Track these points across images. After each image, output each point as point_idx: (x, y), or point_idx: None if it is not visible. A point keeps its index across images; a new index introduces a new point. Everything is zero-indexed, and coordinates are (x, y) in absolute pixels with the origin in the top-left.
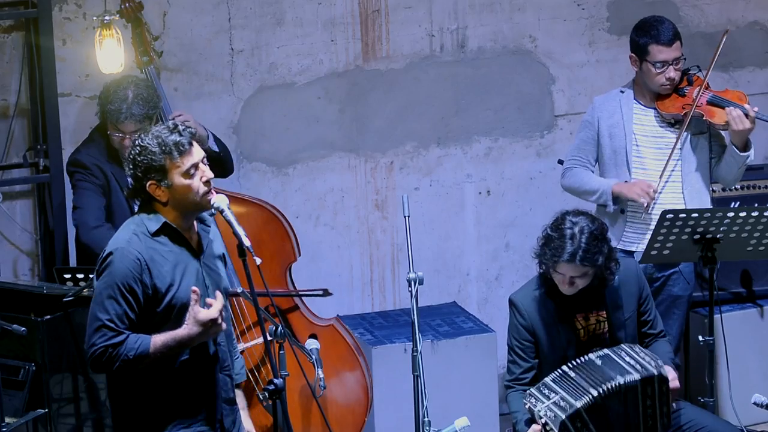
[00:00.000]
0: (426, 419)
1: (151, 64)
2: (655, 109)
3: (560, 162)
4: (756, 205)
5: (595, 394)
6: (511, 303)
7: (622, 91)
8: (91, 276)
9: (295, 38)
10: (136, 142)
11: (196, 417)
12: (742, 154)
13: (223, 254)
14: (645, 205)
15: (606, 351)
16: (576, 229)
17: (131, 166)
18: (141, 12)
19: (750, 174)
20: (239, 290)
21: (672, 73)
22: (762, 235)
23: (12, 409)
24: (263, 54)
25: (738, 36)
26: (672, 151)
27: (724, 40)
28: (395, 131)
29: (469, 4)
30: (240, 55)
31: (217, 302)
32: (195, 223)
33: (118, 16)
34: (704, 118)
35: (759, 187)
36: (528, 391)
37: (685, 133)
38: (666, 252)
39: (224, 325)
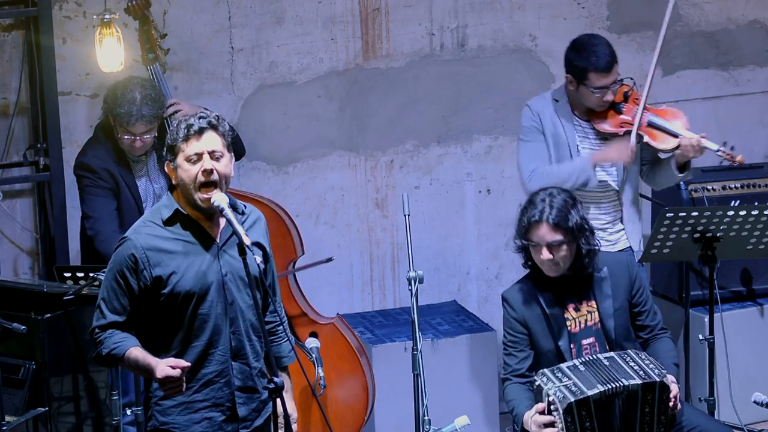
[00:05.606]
0: (426, 418)
1: (157, 62)
2: (589, 122)
3: None
4: (756, 203)
5: (603, 389)
6: (503, 299)
7: (557, 100)
8: (91, 274)
9: (295, 37)
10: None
11: (205, 403)
12: (680, 175)
13: (259, 242)
14: (628, 162)
15: (612, 354)
16: (546, 195)
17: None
18: (148, 9)
19: (750, 173)
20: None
21: (610, 96)
22: (762, 234)
23: (12, 407)
24: (263, 52)
25: (738, 34)
26: (626, 173)
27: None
28: (395, 130)
29: (469, 3)
30: (240, 54)
31: (182, 364)
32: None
33: (118, 14)
34: (645, 140)
35: (759, 186)
36: (541, 371)
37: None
38: (666, 251)
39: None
